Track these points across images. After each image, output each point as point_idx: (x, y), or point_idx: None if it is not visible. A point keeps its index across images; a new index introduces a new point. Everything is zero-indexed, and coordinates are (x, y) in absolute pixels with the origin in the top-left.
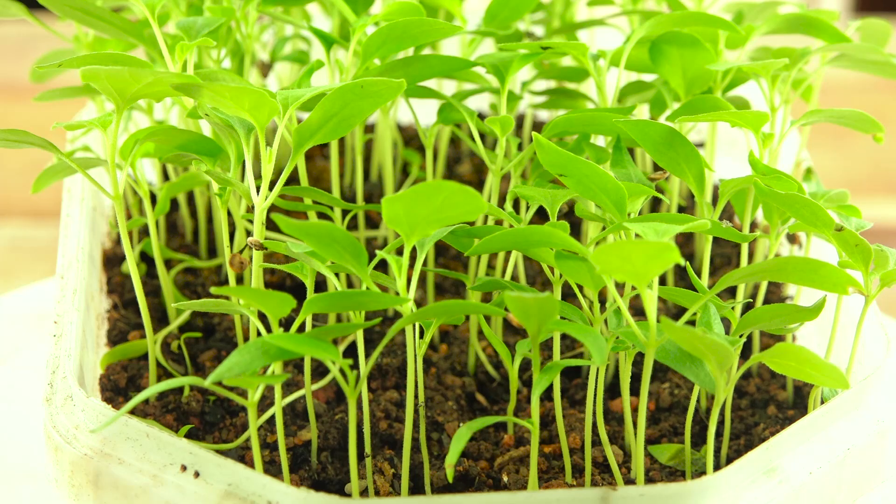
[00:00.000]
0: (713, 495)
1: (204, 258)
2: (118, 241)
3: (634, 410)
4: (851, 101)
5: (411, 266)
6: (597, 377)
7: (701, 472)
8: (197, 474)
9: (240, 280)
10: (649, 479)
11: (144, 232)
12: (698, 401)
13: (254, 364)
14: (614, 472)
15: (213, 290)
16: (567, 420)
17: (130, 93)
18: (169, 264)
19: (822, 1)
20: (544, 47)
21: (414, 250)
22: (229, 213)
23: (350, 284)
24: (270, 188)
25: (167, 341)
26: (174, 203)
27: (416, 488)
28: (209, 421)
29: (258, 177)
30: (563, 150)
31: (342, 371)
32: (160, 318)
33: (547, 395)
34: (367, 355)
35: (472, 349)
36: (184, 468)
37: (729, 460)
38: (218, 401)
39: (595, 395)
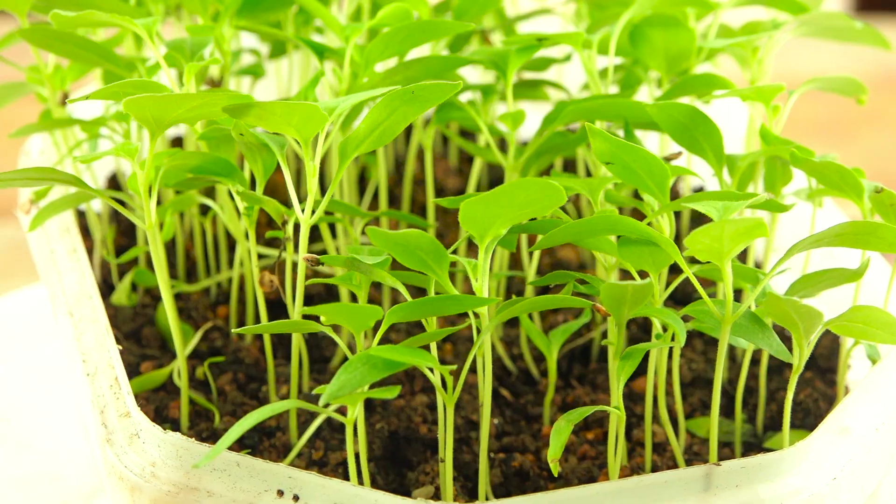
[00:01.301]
0: (804, 460)
1: (182, 280)
2: (104, 270)
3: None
4: (851, 101)
5: None
6: (658, 360)
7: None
8: (296, 498)
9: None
10: (695, 454)
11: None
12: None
13: (366, 379)
14: (673, 451)
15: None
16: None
17: (170, 118)
18: (151, 293)
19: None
20: (540, 39)
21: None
22: (221, 234)
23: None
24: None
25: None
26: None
27: (474, 487)
28: (248, 444)
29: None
30: (616, 137)
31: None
32: (160, 347)
33: (566, 381)
34: None
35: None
36: (280, 493)
37: (765, 427)
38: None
39: (655, 379)
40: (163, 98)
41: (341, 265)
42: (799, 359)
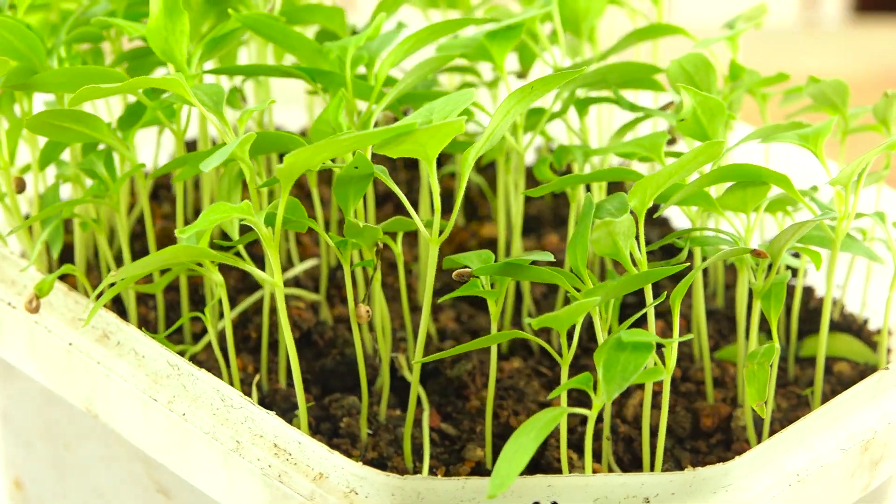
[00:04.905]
0: None
1: (163, 330)
2: None
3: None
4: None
5: None
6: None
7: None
8: None
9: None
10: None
11: None
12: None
13: (637, 364)
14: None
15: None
16: None
17: (311, 164)
18: None
19: (822, 1)
20: (511, 26)
21: None
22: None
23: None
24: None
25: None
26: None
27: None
28: None
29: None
30: (700, 92)
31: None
32: None
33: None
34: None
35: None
36: None
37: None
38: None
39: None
40: (318, 145)
41: (492, 273)
42: None
